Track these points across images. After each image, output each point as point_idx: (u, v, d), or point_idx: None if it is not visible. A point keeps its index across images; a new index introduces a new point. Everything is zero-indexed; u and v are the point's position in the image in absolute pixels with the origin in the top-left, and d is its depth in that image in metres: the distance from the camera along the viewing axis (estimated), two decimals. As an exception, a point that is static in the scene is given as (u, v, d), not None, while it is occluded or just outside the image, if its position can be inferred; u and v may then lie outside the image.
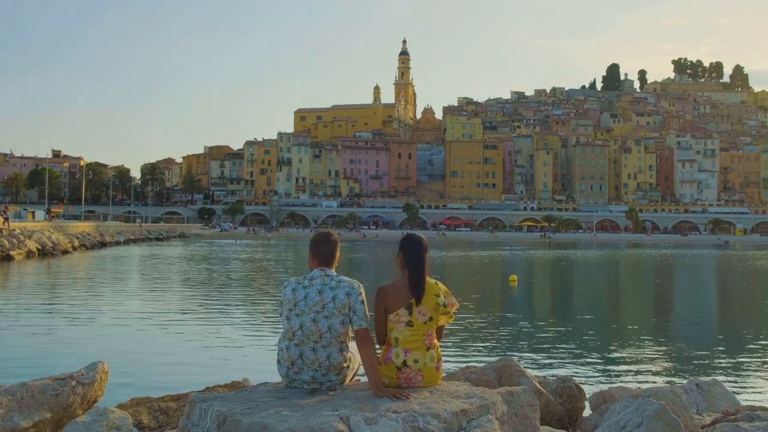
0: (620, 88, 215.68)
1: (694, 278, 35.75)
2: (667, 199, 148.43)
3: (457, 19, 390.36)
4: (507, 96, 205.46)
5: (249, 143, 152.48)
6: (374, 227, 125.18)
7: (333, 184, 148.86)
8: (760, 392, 9.17)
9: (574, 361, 11.36)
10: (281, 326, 3.91)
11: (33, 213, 75.76)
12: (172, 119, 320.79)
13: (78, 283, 24.28)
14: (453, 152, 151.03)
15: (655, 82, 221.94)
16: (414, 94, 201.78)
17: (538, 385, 4.97)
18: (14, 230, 41.33)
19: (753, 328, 15.86)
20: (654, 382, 9.33)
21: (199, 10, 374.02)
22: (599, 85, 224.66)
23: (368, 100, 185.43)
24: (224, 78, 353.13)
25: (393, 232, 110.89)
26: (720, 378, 8.37)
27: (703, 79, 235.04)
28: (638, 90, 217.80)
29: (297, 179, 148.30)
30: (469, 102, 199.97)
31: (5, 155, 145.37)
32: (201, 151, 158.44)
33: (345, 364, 3.83)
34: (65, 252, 43.06)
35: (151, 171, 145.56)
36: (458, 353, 11.53)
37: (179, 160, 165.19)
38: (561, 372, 9.88)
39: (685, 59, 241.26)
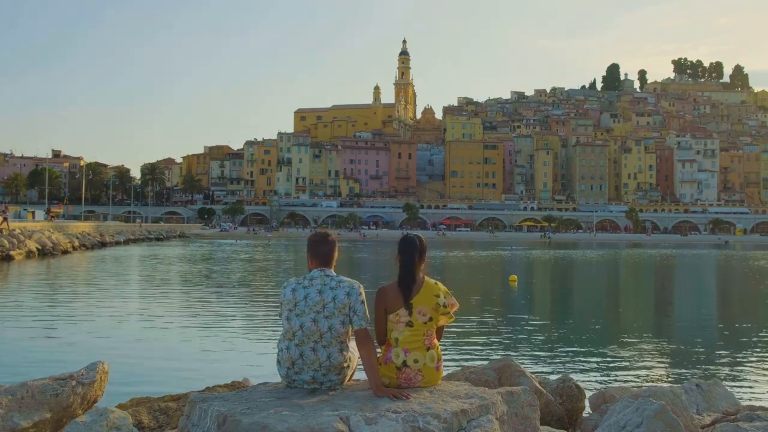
0: (620, 88, 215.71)
1: (694, 278, 35.75)
2: (667, 199, 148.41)
3: (457, 19, 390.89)
4: (507, 96, 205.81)
5: (249, 143, 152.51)
6: (374, 227, 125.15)
7: (333, 184, 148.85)
8: (760, 392, 9.16)
9: (574, 361, 11.35)
10: (281, 326, 3.91)
11: (33, 213, 75.64)
12: (172, 119, 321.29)
13: (78, 283, 24.28)
14: (453, 152, 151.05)
15: (655, 82, 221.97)
16: (414, 94, 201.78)
17: (538, 385, 4.97)
18: (14, 230, 41.28)
19: (753, 329, 15.84)
20: (654, 382, 9.32)
21: (199, 10, 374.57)
22: (599, 85, 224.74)
23: (368, 100, 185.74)
24: (224, 78, 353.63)
25: (393, 232, 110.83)
26: (720, 378, 8.38)
27: (703, 79, 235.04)
28: (638, 90, 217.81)
29: (297, 179, 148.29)
30: (469, 102, 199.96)
31: (5, 155, 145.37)
32: (201, 151, 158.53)
33: (345, 364, 3.83)
34: (65, 252, 43.03)
35: (151, 171, 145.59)
36: (458, 353, 11.52)
37: (179, 160, 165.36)
38: (561, 372, 9.87)
39: (685, 59, 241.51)
